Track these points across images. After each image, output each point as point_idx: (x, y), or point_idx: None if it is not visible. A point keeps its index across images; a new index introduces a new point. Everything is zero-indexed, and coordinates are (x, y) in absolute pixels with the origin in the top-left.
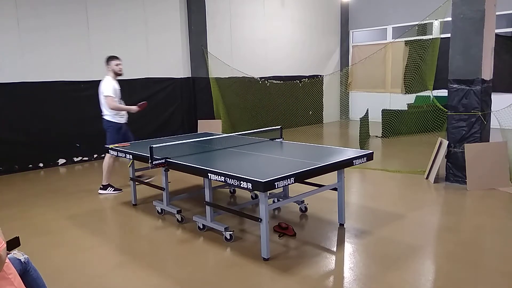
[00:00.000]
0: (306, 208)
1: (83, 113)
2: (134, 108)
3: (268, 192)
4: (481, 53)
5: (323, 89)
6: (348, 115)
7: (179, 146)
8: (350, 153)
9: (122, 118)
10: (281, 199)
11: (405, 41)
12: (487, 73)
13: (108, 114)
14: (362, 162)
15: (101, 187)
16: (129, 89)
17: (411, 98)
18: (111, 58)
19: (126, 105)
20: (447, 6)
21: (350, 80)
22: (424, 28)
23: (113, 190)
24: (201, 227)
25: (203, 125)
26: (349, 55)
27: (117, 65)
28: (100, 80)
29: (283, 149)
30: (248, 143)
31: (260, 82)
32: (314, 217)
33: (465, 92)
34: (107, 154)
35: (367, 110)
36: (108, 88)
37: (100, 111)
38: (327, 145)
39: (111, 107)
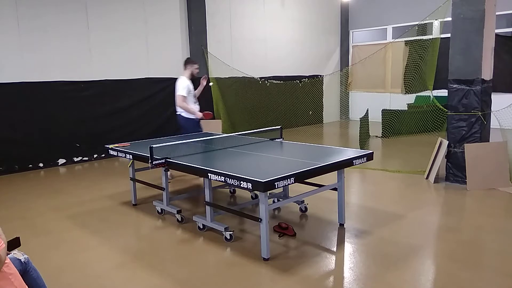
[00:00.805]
0: (306, 208)
1: (83, 113)
2: (199, 114)
3: (268, 192)
4: (481, 53)
5: (323, 89)
6: (348, 115)
7: (179, 146)
8: (350, 153)
9: (194, 114)
10: (281, 199)
11: (405, 41)
12: (487, 73)
13: (183, 112)
14: (362, 162)
15: None
16: (129, 89)
17: (411, 98)
18: (192, 62)
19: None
20: (447, 6)
21: (350, 80)
22: (424, 28)
23: None
24: (201, 227)
25: (203, 125)
26: (349, 55)
27: (196, 68)
28: (100, 80)
29: (283, 149)
30: (248, 143)
31: (260, 82)
32: (314, 217)
33: (465, 92)
34: None
35: (367, 110)
36: (182, 88)
37: (175, 108)
38: (327, 145)
39: (179, 105)
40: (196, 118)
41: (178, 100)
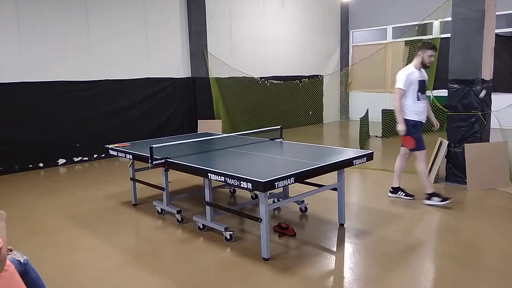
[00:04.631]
0: (306, 208)
1: (83, 113)
2: (401, 126)
3: (268, 192)
4: (481, 53)
5: (323, 89)
6: (348, 115)
7: (179, 146)
8: (350, 153)
9: (416, 115)
10: (281, 199)
11: (405, 41)
12: (487, 73)
13: (403, 111)
14: (362, 162)
15: (427, 196)
16: (129, 89)
17: None
18: (425, 47)
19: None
20: (447, 6)
21: (350, 80)
22: (424, 28)
23: (441, 201)
24: (201, 227)
25: (203, 125)
26: (349, 55)
27: (430, 56)
28: (100, 80)
29: (283, 149)
30: (248, 143)
31: (260, 82)
32: (314, 217)
33: (465, 92)
34: (417, 161)
35: (367, 110)
36: (401, 79)
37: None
38: (327, 145)
39: (394, 100)
40: (411, 119)
41: (395, 93)
